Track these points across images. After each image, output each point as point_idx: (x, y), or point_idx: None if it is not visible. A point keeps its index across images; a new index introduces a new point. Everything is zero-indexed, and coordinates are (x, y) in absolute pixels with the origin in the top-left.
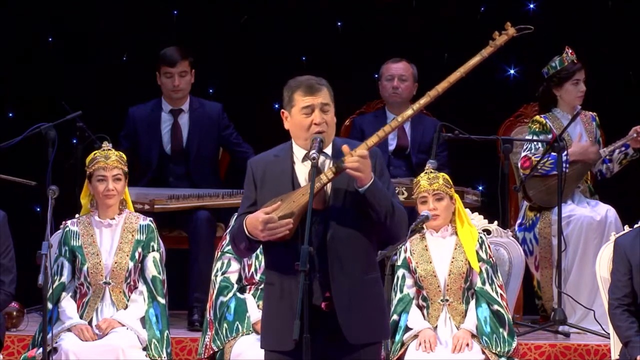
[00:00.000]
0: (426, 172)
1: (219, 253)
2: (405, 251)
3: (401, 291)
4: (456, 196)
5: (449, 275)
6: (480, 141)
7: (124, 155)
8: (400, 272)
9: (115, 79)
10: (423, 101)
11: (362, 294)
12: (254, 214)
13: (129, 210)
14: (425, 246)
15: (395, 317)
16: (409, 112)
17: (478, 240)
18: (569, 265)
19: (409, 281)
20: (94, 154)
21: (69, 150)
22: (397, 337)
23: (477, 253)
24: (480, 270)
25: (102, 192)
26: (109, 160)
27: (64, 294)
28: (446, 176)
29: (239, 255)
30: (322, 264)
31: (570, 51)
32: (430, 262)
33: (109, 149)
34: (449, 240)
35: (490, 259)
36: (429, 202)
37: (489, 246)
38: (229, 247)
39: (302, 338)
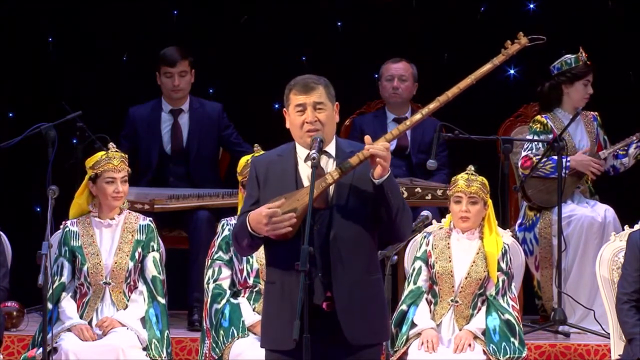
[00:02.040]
0: (467, 172)
1: (209, 261)
2: (427, 244)
3: (415, 283)
4: (490, 202)
5: (466, 278)
6: (480, 141)
7: (126, 157)
8: (417, 264)
9: (115, 79)
10: (432, 106)
11: (364, 294)
12: (257, 209)
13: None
14: (448, 244)
15: (404, 307)
16: (418, 116)
17: (501, 250)
18: (569, 265)
19: (424, 274)
20: (101, 155)
21: (69, 150)
22: (404, 329)
23: (498, 262)
24: (497, 280)
25: (111, 193)
26: (116, 162)
27: (64, 294)
28: (485, 180)
29: (240, 253)
30: (324, 263)
31: (584, 53)
32: (450, 261)
33: (115, 151)
34: (473, 244)
35: (509, 271)
36: (463, 203)
37: (510, 258)
38: (218, 254)
39: (302, 338)
